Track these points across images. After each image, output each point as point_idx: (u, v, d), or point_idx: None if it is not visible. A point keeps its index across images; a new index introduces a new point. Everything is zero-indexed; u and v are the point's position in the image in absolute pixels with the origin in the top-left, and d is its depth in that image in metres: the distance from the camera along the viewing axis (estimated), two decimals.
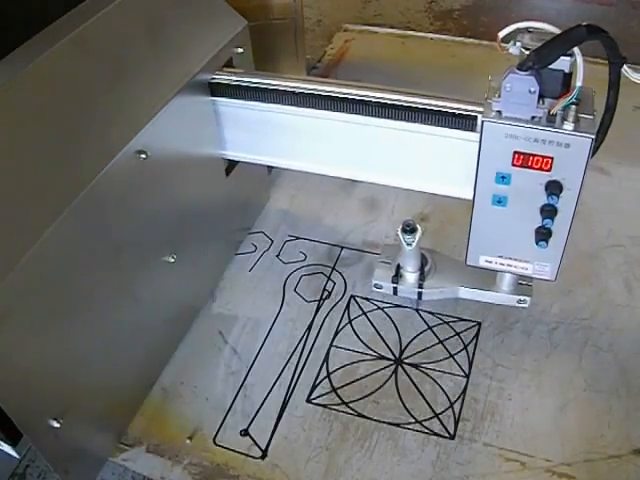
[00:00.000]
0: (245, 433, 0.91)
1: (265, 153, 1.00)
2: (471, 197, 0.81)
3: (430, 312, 1.04)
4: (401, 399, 0.94)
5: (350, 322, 1.05)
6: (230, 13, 1.00)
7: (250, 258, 1.16)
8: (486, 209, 0.80)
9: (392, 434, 0.90)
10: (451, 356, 0.99)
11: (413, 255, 0.90)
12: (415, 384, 0.96)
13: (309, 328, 1.04)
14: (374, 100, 0.86)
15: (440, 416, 0.92)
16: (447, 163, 0.88)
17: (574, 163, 0.72)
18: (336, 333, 1.03)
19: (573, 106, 0.69)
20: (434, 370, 0.97)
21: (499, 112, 0.72)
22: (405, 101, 0.86)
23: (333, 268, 1.14)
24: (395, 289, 0.94)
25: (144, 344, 0.91)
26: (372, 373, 0.98)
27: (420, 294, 0.93)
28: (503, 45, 0.71)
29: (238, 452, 0.89)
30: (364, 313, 1.06)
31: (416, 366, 0.98)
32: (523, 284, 0.90)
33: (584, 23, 0.67)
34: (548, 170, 0.73)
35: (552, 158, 0.72)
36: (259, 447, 0.90)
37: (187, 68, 0.89)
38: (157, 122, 0.82)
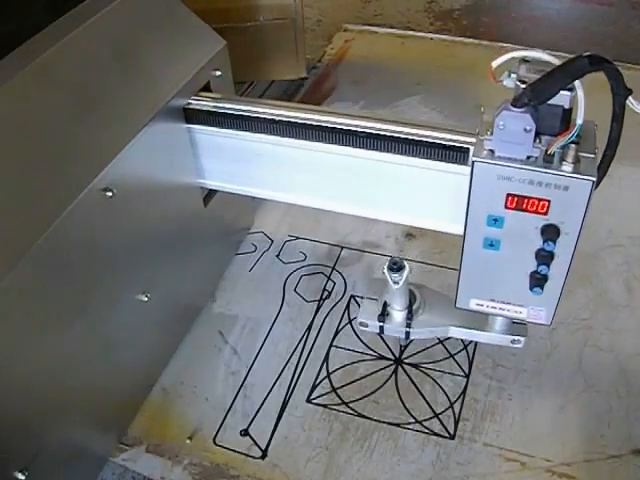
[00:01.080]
0: (245, 433, 0.91)
1: (245, 183, 0.95)
2: (462, 233, 0.75)
3: None
4: (401, 399, 0.94)
5: (350, 322, 1.05)
6: (208, 33, 0.94)
7: (250, 258, 1.16)
8: (477, 252, 0.74)
9: (392, 434, 0.90)
10: (451, 356, 0.99)
11: (400, 293, 0.83)
12: (415, 384, 0.96)
13: (309, 328, 1.04)
14: (359, 130, 0.81)
15: (440, 416, 0.92)
16: (436, 197, 0.83)
17: (573, 206, 0.67)
18: (336, 333, 1.03)
19: (573, 145, 0.63)
20: (434, 370, 0.97)
21: (491, 151, 0.66)
22: (392, 131, 0.80)
23: (333, 268, 1.14)
24: (382, 328, 0.87)
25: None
26: (372, 373, 0.98)
27: (408, 334, 0.86)
28: (497, 78, 0.65)
29: (238, 452, 0.89)
30: None
31: (416, 366, 0.98)
32: (517, 323, 0.83)
33: (586, 53, 0.60)
34: (544, 213, 0.68)
35: (549, 201, 0.66)
36: (259, 447, 0.90)
37: (160, 94, 0.83)
38: (126, 155, 0.76)
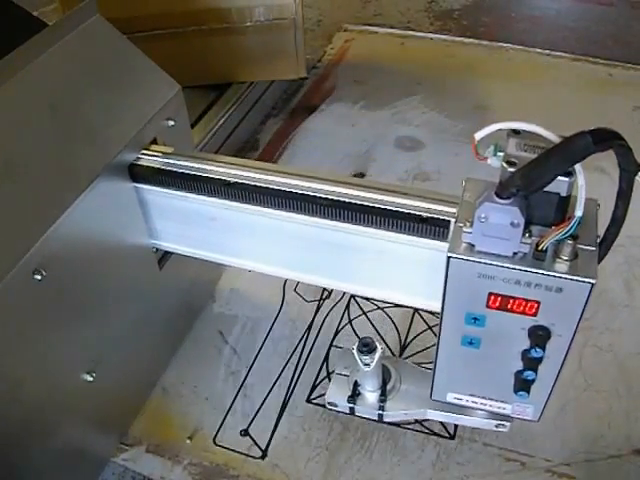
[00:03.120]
0: (245, 433, 0.91)
1: (199, 247, 0.84)
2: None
3: (430, 312, 1.04)
4: None
5: (350, 322, 1.05)
6: (160, 77, 0.84)
7: None
8: (454, 348, 0.64)
9: (392, 434, 0.90)
10: None
11: (372, 375, 0.75)
12: None
13: (309, 328, 1.04)
14: (321, 196, 0.71)
15: None
16: (410, 272, 0.73)
17: (567, 309, 0.57)
18: (336, 333, 1.03)
19: (570, 240, 0.54)
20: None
21: (471, 245, 0.56)
22: (361, 198, 0.70)
23: None
24: (352, 409, 0.78)
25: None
26: None
27: (381, 416, 0.78)
28: (481, 153, 0.55)
29: (238, 452, 0.89)
30: (364, 313, 1.06)
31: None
32: None
33: (588, 130, 0.49)
34: (533, 315, 0.58)
35: (539, 303, 0.57)
36: (259, 447, 0.90)
37: (103, 150, 0.74)
38: (60, 228, 0.67)
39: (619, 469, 0.85)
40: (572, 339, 0.60)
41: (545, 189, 0.52)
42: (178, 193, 0.78)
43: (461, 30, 1.81)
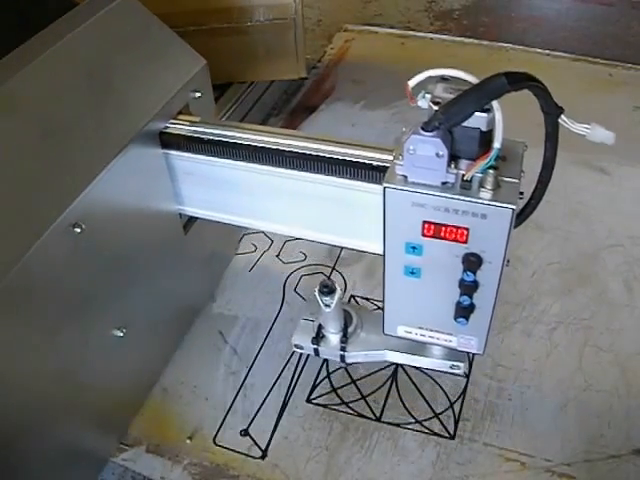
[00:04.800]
0: (245, 433, 0.91)
1: (224, 210, 0.89)
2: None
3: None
4: (401, 399, 0.94)
5: None
6: (187, 52, 0.89)
7: (250, 258, 1.16)
8: (399, 279, 0.70)
9: (392, 434, 0.90)
10: None
11: (333, 316, 0.81)
12: (415, 384, 0.96)
13: None
14: (340, 158, 0.76)
15: (440, 416, 0.92)
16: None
17: (493, 235, 0.62)
18: None
19: (492, 170, 0.59)
20: (434, 370, 0.97)
21: (404, 177, 0.62)
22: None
23: (333, 268, 1.13)
24: (316, 350, 0.84)
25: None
26: (372, 373, 0.97)
27: (343, 357, 0.83)
28: (414, 98, 0.61)
29: (238, 452, 0.89)
30: None
31: (416, 366, 0.98)
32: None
33: (503, 71, 0.55)
34: (464, 242, 0.63)
35: (468, 229, 0.62)
36: (259, 447, 0.90)
37: (135, 118, 0.79)
38: (97, 187, 0.72)
39: (619, 469, 0.85)
40: (502, 267, 0.65)
41: (467, 125, 0.58)
42: (205, 158, 0.83)
43: (461, 30, 1.81)
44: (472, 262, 0.64)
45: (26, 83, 0.71)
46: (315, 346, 0.84)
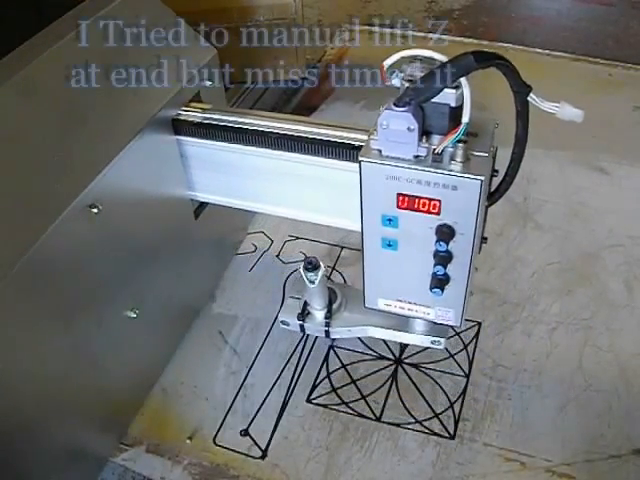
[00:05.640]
0: (245, 433, 0.91)
1: (235, 196, 0.92)
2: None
3: None
4: (401, 399, 0.94)
5: None
6: (198, 42, 0.93)
7: (250, 258, 1.16)
8: (376, 252, 0.73)
9: (392, 434, 0.90)
10: (451, 356, 0.99)
11: (318, 292, 0.84)
12: (415, 384, 0.96)
13: None
14: (353, 144, 0.79)
15: (440, 416, 0.92)
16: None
17: (464, 207, 0.65)
18: None
19: (461, 144, 0.62)
20: (434, 370, 0.97)
21: (379, 151, 0.65)
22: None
23: (333, 268, 1.13)
24: (302, 327, 0.87)
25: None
26: (372, 373, 0.98)
27: (327, 332, 0.86)
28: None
29: (238, 452, 0.89)
30: None
31: (416, 366, 0.98)
32: (437, 324, 0.80)
33: (471, 51, 0.58)
34: (437, 213, 0.66)
35: (440, 201, 0.65)
36: (259, 447, 0.90)
37: (149, 105, 0.82)
38: (113, 169, 0.75)
39: (619, 469, 0.85)
40: (474, 238, 0.67)
41: (437, 101, 0.61)
42: (217, 143, 0.86)
43: (461, 30, 1.81)
44: (444, 233, 0.67)
45: (45, 69, 0.73)
46: (300, 322, 0.87)
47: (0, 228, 0.64)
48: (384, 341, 1.01)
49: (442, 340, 0.82)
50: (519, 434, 0.89)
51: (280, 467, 0.88)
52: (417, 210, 0.67)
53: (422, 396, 0.94)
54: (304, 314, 0.87)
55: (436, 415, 0.92)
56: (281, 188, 0.88)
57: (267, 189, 0.89)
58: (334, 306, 0.87)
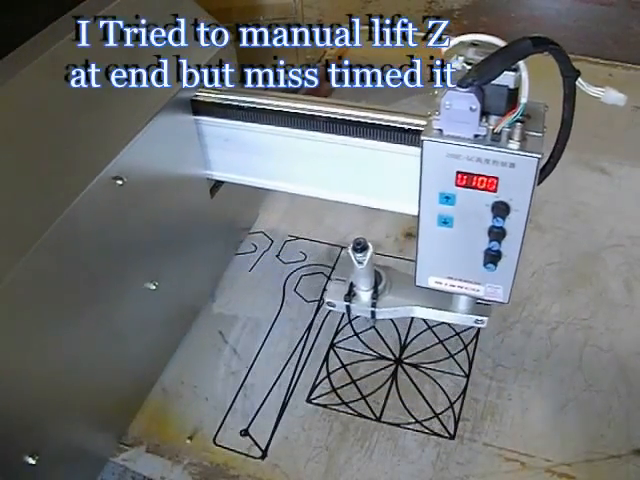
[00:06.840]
0: (245, 433, 0.91)
1: (251, 174, 0.96)
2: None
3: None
4: (401, 399, 0.94)
5: (350, 322, 1.05)
6: (214, 26, 0.95)
7: (250, 258, 1.16)
8: (432, 230, 0.76)
9: (392, 434, 0.90)
10: (451, 356, 0.99)
11: (365, 273, 0.86)
12: (415, 384, 0.96)
13: (309, 328, 1.04)
14: (368, 122, 0.82)
15: (440, 416, 0.92)
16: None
17: (520, 184, 0.68)
18: (336, 333, 1.03)
19: (519, 124, 0.65)
20: (434, 370, 0.97)
21: (440, 130, 0.68)
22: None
23: (333, 268, 1.13)
24: (348, 308, 0.90)
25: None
26: (372, 373, 0.98)
27: (373, 313, 0.90)
28: (448, 61, 0.67)
29: (238, 452, 0.89)
30: None
31: (416, 366, 0.98)
32: (481, 303, 0.85)
33: (530, 35, 0.61)
34: (494, 191, 0.69)
35: (497, 178, 0.68)
36: (259, 447, 0.90)
37: (168, 87, 0.85)
38: (135, 145, 0.78)
39: (619, 469, 0.85)
40: (528, 214, 0.70)
41: (496, 82, 0.63)
42: (234, 123, 0.89)
43: (461, 30, 1.81)
44: (501, 209, 0.70)
45: (71, 49, 0.77)
46: (347, 303, 0.90)
47: (29, 199, 0.67)
48: (384, 341, 1.01)
49: (485, 319, 0.86)
50: (519, 434, 0.89)
51: (280, 467, 0.88)
52: (475, 187, 0.70)
53: (422, 396, 0.94)
54: (350, 295, 0.89)
55: (436, 415, 0.92)
56: (294, 166, 0.91)
57: (281, 167, 0.92)
58: (379, 287, 0.89)
